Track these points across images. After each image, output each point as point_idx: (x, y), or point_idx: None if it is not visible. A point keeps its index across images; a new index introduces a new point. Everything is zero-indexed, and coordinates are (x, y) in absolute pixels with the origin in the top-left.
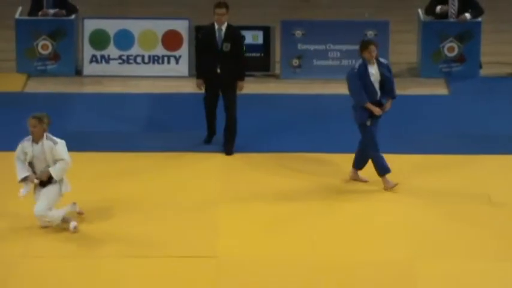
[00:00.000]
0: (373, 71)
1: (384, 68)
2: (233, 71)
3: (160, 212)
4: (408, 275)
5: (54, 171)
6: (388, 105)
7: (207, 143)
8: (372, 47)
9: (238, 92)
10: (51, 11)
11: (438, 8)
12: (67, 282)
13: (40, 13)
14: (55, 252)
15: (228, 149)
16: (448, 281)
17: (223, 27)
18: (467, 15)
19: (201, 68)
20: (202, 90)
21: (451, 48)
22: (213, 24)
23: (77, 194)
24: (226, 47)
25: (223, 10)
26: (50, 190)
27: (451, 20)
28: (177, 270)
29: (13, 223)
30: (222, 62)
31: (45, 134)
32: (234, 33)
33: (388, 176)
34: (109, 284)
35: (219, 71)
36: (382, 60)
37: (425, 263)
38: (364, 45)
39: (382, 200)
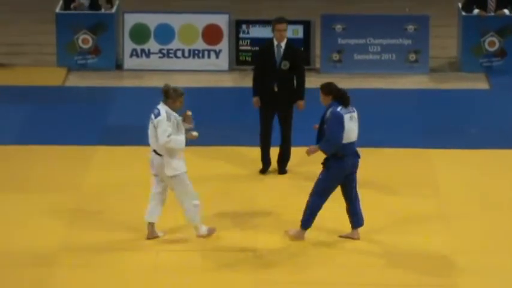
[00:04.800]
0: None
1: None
2: (291, 89)
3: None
4: (447, 267)
5: None
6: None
7: (262, 173)
8: None
9: (299, 110)
10: (86, 3)
11: (476, 11)
12: (100, 276)
13: (72, 5)
14: (93, 246)
15: (281, 169)
16: (488, 275)
17: (283, 44)
18: (506, 11)
19: (257, 85)
20: (257, 108)
21: (491, 42)
22: (271, 41)
23: (117, 187)
24: (285, 65)
25: (284, 25)
26: None
27: (490, 14)
28: (217, 263)
29: (51, 216)
30: (279, 80)
31: None
32: (293, 51)
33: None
34: (150, 277)
35: (276, 89)
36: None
37: (465, 256)
38: None
39: (417, 194)
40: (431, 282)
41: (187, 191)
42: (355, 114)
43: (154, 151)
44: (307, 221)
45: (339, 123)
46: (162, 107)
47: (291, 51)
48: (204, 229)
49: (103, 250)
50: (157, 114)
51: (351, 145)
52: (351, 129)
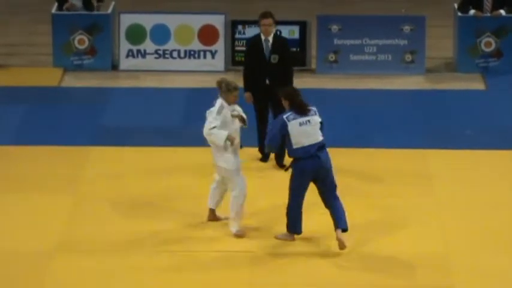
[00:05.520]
0: None
1: None
2: (282, 82)
3: (199, 207)
4: (443, 268)
5: None
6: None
7: (264, 161)
8: None
9: None
10: (78, 4)
11: (472, 12)
12: (99, 276)
13: (64, 6)
14: (91, 246)
15: (279, 162)
16: (484, 275)
17: (270, 38)
18: (502, 11)
19: (248, 81)
20: (251, 103)
21: (487, 43)
22: (259, 35)
23: (114, 187)
24: (274, 58)
25: (270, 20)
26: None
27: (486, 15)
28: (214, 264)
29: (49, 216)
30: (270, 73)
31: None
32: (282, 44)
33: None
34: (148, 277)
35: (267, 82)
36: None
37: (461, 257)
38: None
39: (413, 194)
40: (429, 283)
41: (234, 183)
42: (314, 118)
43: None
44: (289, 223)
45: (277, 124)
46: (218, 100)
47: (279, 44)
48: (235, 228)
49: (101, 250)
50: (212, 106)
51: (305, 149)
52: (301, 134)
